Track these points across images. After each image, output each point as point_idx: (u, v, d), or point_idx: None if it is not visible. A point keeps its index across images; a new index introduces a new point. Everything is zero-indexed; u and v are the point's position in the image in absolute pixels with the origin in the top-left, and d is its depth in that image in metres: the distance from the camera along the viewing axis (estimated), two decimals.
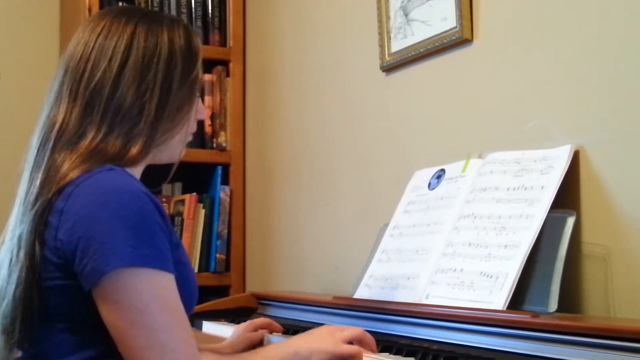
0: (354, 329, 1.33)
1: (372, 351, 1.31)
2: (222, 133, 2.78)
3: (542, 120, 1.56)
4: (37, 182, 1.19)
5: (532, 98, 1.59)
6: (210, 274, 2.67)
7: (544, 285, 1.34)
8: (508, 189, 1.50)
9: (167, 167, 1.36)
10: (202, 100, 2.68)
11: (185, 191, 2.73)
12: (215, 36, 2.80)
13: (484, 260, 1.44)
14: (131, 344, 1.11)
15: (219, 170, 2.73)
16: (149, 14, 1.32)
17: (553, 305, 1.32)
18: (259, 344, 1.56)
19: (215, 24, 2.81)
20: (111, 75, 1.23)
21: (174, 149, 1.31)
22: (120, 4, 2.67)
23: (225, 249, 2.71)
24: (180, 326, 1.13)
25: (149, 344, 1.10)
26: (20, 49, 2.95)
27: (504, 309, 1.34)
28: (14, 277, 1.16)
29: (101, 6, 2.61)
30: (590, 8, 1.47)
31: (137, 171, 1.27)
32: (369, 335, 1.34)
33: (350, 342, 1.31)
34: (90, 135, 1.21)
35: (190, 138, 1.35)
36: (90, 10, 2.59)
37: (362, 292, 1.71)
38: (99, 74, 1.23)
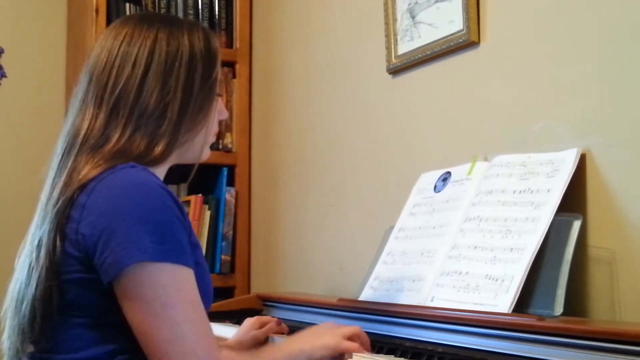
0: (353, 328, 1.36)
1: (367, 350, 1.34)
2: (228, 134, 2.78)
3: (548, 123, 1.56)
4: (60, 185, 1.22)
5: (539, 101, 1.59)
6: (215, 275, 2.67)
7: (550, 289, 1.34)
8: (514, 192, 1.50)
9: (188, 167, 1.39)
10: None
11: (190, 192, 2.74)
12: (221, 37, 2.81)
13: (490, 263, 1.44)
14: (155, 338, 1.12)
15: (225, 171, 2.73)
16: (169, 18, 1.36)
17: (559, 309, 1.32)
18: (265, 341, 1.57)
19: (221, 25, 2.81)
20: (135, 80, 1.27)
21: (197, 149, 1.35)
22: (127, 5, 2.67)
23: (231, 250, 2.71)
24: (201, 319, 1.16)
25: (173, 337, 1.12)
26: (27, 50, 2.95)
27: (510, 312, 1.34)
28: (34, 277, 1.18)
29: (108, 8, 2.62)
30: (599, 11, 1.47)
31: (160, 172, 1.30)
32: (365, 334, 1.37)
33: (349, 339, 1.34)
34: (114, 139, 1.25)
35: (213, 138, 1.39)
36: (97, 11, 2.60)
37: (367, 294, 1.71)
38: (123, 80, 1.27)
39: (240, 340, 1.56)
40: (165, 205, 1.17)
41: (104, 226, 1.14)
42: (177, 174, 1.41)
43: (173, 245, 1.15)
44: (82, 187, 1.19)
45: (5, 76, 2.23)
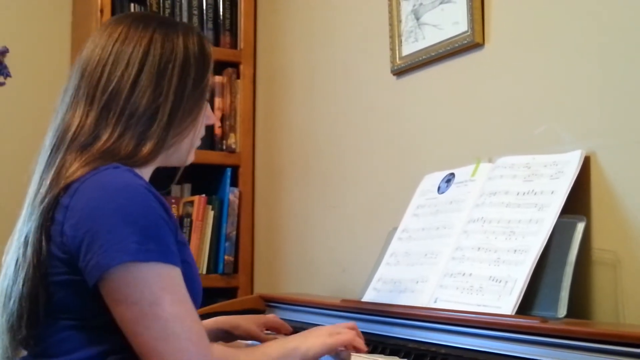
0: (348, 332, 1.36)
1: (362, 349, 1.36)
2: (232, 135, 2.78)
3: (552, 125, 1.56)
4: (47, 181, 1.21)
5: (543, 102, 1.59)
6: (218, 275, 2.67)
7: (553, 291, 1.34)
8: (518, 194, 1.49)
9: (175, 169, 1.39)
10: (212, 102, 2.71)
11: (194, 192, 2.74)
12: (226, 38, 2.81)
13: (493, 264, 1.44)
14: (145, 337, 1.12)
15: (229, 172, 2.73)
16: (165, 20, 1.36)
17: (562, 311, 1.32)
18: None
19: (226, 26, 2.81)
20: (128, 80, 1.26)
21: (183, 152, 1.34)
22: (132, 5, 2.67)
23: (234, 250, 2.71)
24: (190, 317, 1.15)
25: (163, 335, 1.12)
26: (32, 50, 2.96)
27: (513, 313, 1.34)
28: (21, 275, 1.18)
29: (113, 8, 2.62)
30: (603, 12, 1.47)
31: (145, 173, 1.29)
32: (360, 334, 1.39)
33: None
34: (104, 137, 1.24)
35: (199, 143, 1.38)
36: (102, 11, 2.60)
37: (371, 295, 1.71)
38: (116, 79, 1.26)
39: (237, 324, 1.56)
40: (148, 206, 1.16)
41: (86, 228, 1.13)
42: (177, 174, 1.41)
43: (157, 245, 1.14)
44: (66, 187, 1.19)
45: (10, 75, 2.23)
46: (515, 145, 1.63)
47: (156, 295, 1.12)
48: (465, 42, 1.78)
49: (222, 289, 2.63)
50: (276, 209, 2.65)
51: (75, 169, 1.20)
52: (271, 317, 1.64)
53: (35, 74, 2.95)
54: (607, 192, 1.42)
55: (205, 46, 1.35)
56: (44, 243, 1.16)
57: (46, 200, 1.19)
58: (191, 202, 2.67)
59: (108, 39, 1.29)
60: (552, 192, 1.43)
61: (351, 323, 1.40)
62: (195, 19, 2.74)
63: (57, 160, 1.23)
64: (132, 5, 2.68)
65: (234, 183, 2.75)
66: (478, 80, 1.78)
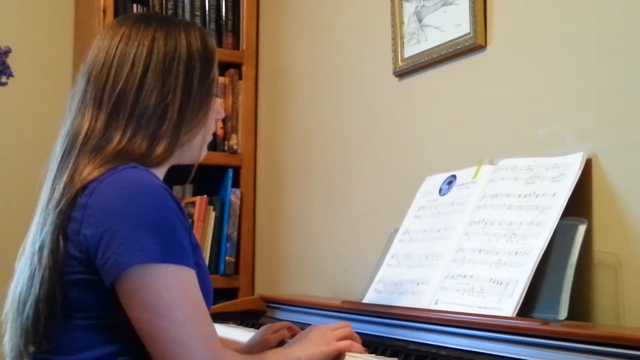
0: (343, 329, 1.37)
1: (360, 349, 1.35)
2: (234, 136, 2.78)
3: (554, 127, 1.56)
4: (60, 186, 1.21)
5: (545, 105, 1.59)
6: (220, 276, 2.67)
7: (554, 293, 1.34)
8: (519, 196, 1.49)
9: (189, 168, 1.39)
10: None
11: (195, 193, 2.74)
12: (228, 39, 2.81)
13: (494, 266, 1.44)
14: (161, 339, 1.12)
15: (230, 172, 2.74)
16: (166, 18, 1.36)
17: (563, 313, 1.32)
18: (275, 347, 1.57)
19: (228, 27, 2.82)
20: (135, 80, 1.26)
21: (196, 149, 1.34)
22: (134, 5, 2.68)
23: (235, 251, 2.71)
24: (205, 320, 1.16)
25: (179, 338, 1.12)
26: (35, 49, 2.96)
27: (514, 315, 1.34)
28: (37, 279, 1.17)
29: (116, 7, 2.63)
30: (605, 14, 1.47)
31: (160, 173, 1.30)
32: (356, 335, 1.38)
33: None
34: (116, 140, 1.24)
35: (210, 138, 1.38)
36: (104, 11, 2.61)
37: (371, 297, 1.71)
38: (122, 81, 1.26)
39: (249, 345, 1.56)
40: (167, 206, 1.17)
41: (106, 227, 1.14)
42: (179, 174, 1.41)
43: (175, 246, 1.15)
44: (83, 188, 1.18)
45: (12, 75, 2.24)
46: (517, 147, 1.63)
47: (174, 298, 1.13)
48: (468, 44, 1.78)
49: (223, 290, 2.63)
50: (277, 210, 2.65)
51: (90, 170, 1.20)
52: (279, 324, 1.63)
53: (37, 74, 2.95)
54: (609, 194, 1.42)
55: (208, 41, 1.35)
56: (61, 243, 1.16)
57: (62, 202, 1.18)
58: (192, 203, 2.68)
59: (111, 41, 1.30)
60: (554, 195, 1.43)
61: (344, 323, 1.40)
62: (197, 20, 2.74)
63: (70, 165, 1.23)
64: (134, 5, 2.68)
65: (236, 184, 2.75)
66: (480, 82, 1.78)
